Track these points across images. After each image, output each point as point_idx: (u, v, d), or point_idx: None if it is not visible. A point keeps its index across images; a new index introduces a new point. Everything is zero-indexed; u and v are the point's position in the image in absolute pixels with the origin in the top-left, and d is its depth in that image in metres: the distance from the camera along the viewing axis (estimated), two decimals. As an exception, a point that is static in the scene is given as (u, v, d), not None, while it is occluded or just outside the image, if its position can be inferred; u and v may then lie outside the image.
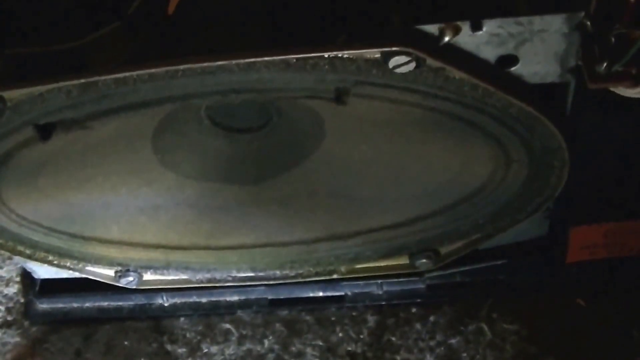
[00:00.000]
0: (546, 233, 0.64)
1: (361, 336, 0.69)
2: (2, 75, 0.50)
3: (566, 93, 0.51)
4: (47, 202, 0.60)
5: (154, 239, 0.64)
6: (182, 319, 0.71)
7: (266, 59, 0.46)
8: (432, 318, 0.69)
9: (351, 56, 0.46)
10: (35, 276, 0.71)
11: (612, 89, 0.49)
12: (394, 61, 0.46)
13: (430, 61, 0.46)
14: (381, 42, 0.46)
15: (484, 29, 0.46)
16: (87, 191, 0.60)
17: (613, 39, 0.46)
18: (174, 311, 0.71)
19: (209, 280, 0.68)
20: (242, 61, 0.46)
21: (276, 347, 0.69)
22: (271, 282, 0.67)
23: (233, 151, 0.61)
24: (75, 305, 0.72)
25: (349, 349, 0.68)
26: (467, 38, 0.47)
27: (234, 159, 0.61)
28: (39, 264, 0.65)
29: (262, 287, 0.69)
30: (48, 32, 0.51)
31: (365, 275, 0.67)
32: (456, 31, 0.46)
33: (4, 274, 0.76)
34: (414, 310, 0.69)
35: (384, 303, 0.70)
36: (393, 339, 0.68)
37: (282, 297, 0.70)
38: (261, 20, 0.50)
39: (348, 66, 0.46)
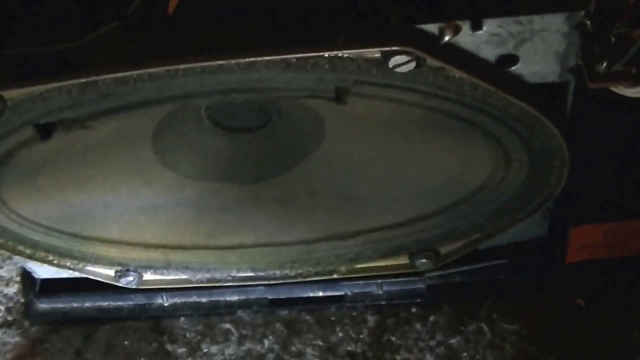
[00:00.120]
0: (546, 233, 0.64)
1: (361, 336, 0.69)
2: (2, 75, 0.50)
3: (566, 93, 0.51)
4: (47, 202, 0.60)
5: (154, 238, 0.64)
6: (182, 318, 0.71)
7: (266, 58, 0.46)
8: (432, 318, 0.69)
9: (351, 55, 0.46)
10: (35, 276, 0.71)
11: (612, 88, 0.49)
12: (394, 60, 0.46)
13: (430, 61, 0.46)
14: (381, 42, 0.46)
15: (484, 28, 0.46)
16: (87, 191, 0.60)
17: (613, 39, 0.46)
18: (174, 311, 0.71)
19: (209, 280, 0.68)
20: (242, 61, 0.46)
21: (276, 347, 0.69)
22: (271, 282, 0.67)
23: (233, 151, 0.61)
24: (75, 305, 0.72)
25: (349, 349, 0.68)
26: (467, 37, 0.47)
27: (234, 159, 0.61)
28: (39, 263, 0.65)
29: (262, 287, 0.69)
30: (48, 31, 0.51)
31: (365, 275, 0.67)
32: (456, 31, 0.46)
33: (4, 274, 0.76)
34: (414, 310, 0.69)
35: (384, 303, 0.70)
36: (393, 338, 0.68)
37: (282, 297, 0.70)
38: (261, 20, 0.50)
39: (348, 66, 0.46)
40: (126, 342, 0.70)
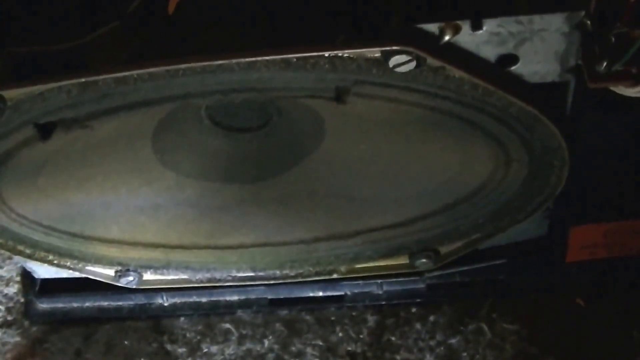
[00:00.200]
0: (546, 233, 0.64)
1: (361, 336, 0.69)
2: (2, 75, 0.50)
3: (566, 92, 0.51)
4: (47, 202, 0.60)
5: (154, 238, 0.64)
6: (182, 318, 0.71)
7: (266, 58, 0.46)
8: (432, 318, 0.69)
9: (351, 55, 0.46)
10: (35, 276, 0.71)
11: (612, 88, 0.49)
12: (394, 60, 0.46)
13: (430, 60, 0.46)
14: (381, 41, 0.46)
15: (484, 28, 0.46)
16: (87, 191, 0.60)
17: (613, 38, 0.46)
18: (173, 311, 0.71)
19: (209, 280, 0.68)
20: (242, 60, 0.46)
21: (276, 346, 0.69)
22: (271, 282, 0.67)
23: (233, 151, 0.61)
24: (75, 305, 0.71)
25: (349, 348, 0.68)
26: (467, 37, 0.47)
27: (234, 159, 0.61)
28: (39, 263, 0.65)
29: (262, 287, 0.69)
30: (48, 31, 0.51)
31: (365, 275, 0.67)
32: (456, 30, 0.46)
33: (4, 274, 0.76)
34: (413, 310, 0.69)
35: (383, 303, 0.70)
36: (393, 338, 0.68)
37: (282, 296, 0.70)
38: (261, 19, 0.50)
39: (348, 65, 0.46)
40: (126, 342, 0.70)
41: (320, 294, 0.70)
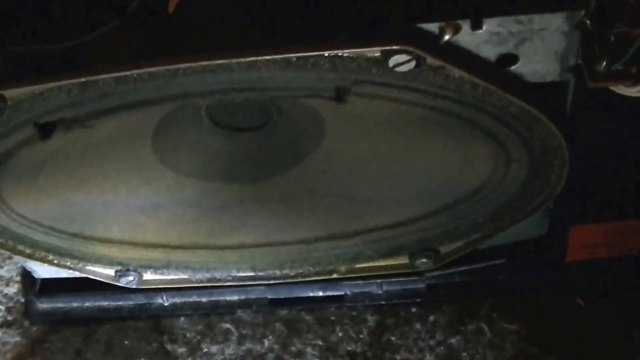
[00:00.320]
0: (546, 232, 0.64)
1: (361, 336, 0.69)
2: (2, 74, 0.50)
3: (566, 92, 0.51)
4: (47, 201, 0.60)
5: (154, 238, 0.64)
6: (182, 318, 0.71)
7: (267, 57, 0.46)
8: (431, 318, 0.69)
9: (351, 55, 0.46)
10: (36, 276, 0.71)
11: (612, 87, 0.49)
12: (394, 60, 0.46)
13: (430, 60, 0.46)
14: (381, 41, 0.46)
15: (484, 27, 0.46)
16: (87, 190, 0.60)
17: (613, 38, 0.46)
18: (174, 311, 0.71)
19: (209, 280, 0.68)
20: (242, 60, 0.46)
21: (276, 346, 0.69)
22: (271, 282, 0.67)
23: (233, 150, 0.61)
24: (75, 304, 0.72)
25: (349, 348, 0.68)
26: (467, 37, 0.47)
27: (234, 158, 0.61)
28: (39, 263, 0.65)
29: (262, 287, 0.69)
30: (48, 30, 0.51)
31: (365, 275, 0.67)
32: (456, 30, 0.46)
33: (4, 274, 0.76)
34: (413, 309, 0.69)
35: (383, 303, 0.70)
36: (393, 338, 0.68)
37: (282, 296, 0.70)
38: (261, 19, 0.50)
39: (348, 65, 0.46)
40: (126, 342, 0.70)
41: (320, 293, 0.70)
